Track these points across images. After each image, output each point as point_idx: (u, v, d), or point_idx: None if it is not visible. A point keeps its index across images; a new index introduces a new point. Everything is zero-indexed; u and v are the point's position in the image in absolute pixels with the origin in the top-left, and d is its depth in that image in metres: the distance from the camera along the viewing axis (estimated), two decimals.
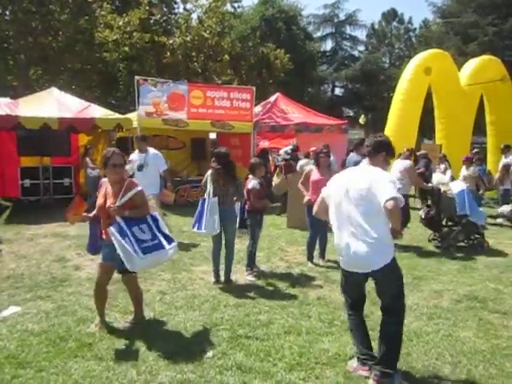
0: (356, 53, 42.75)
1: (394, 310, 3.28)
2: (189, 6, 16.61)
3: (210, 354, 3.57)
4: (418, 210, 9.09)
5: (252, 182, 5.70)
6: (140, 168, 7.03)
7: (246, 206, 5.77)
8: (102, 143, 13.35)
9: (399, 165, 7.70)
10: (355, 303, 3.46)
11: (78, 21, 14.56)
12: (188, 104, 11.10)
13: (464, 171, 10.19)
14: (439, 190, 7.66)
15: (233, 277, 5.58)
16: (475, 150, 12.46)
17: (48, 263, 6.03)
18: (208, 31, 15.67)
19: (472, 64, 15.53)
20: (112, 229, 3.61)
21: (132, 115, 11.39)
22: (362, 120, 29.51)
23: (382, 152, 3.39)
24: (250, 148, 12.05)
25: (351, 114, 41.64)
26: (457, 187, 7.60)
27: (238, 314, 4.41)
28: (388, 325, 3.29)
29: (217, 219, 5.17)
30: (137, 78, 10.50)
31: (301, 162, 9.84)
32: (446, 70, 14.36)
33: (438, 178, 11.14)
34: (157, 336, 3.89)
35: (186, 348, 3.68)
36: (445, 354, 3.69)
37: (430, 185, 8.19)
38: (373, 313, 4.47)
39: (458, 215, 7.36)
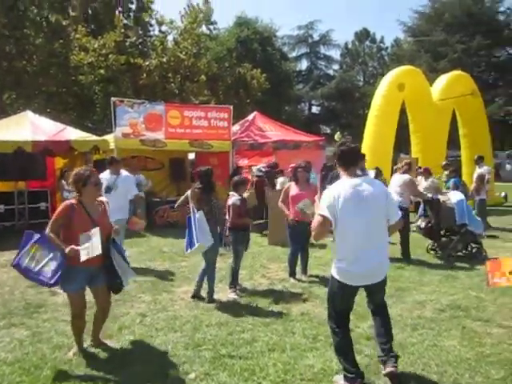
0: (331, 72, 43.83)
1: (385, 305, 3.59)
2: (164, 28, 16.77)
3: (192, 375, 3.46)
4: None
5: (232, 199, 5.67)
6: (107, 190, 6.40)
7: (228, 223, 5.71)
8: (79, 166, 13.07)
9: (398, 179, 7.74)
10: (343, 317, 3.43)
11: (52, 44, 14.46)
12: (165, 124, 11.08)
13: (423, 182, 10.50)
14: (438, 200, 7.76)
15: (215, 296, 5.47)
16: (444, 162, 12.64)
17: (22, 289, 5.81)
18: (184, 52, 15.78)
19: (443, 80, 15.98)
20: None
21: (109, 137, 11.28)
22: (337, 137, 29.75)
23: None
24: (229, 167, 12.04)
25: (328, 131, 42.30)
26: (456, 197, 7.70)
27: (220, 333, 4.31)
28: (385, 317, 3.49)
29: (207, 230, 5.07)
30: (113, 99, 10.45)
31: (280, 180, 9.88)
32: (418, 86, 14.73)
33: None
34: (137, 360, 3.75)
35: (167, 371, 3.56)
36: (431, 364, 3.67)
37: (429, 195, 8.23)
38: (358, 327, 4.44)
39: (458, 224, 7.45)
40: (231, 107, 11.98)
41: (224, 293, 5.69)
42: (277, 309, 5.05)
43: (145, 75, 15.33)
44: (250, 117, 14.18)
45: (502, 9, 34.33)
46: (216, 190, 5.53)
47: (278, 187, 9.81)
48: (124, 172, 6.96)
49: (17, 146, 9.45)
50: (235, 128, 13.27)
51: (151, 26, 17.14)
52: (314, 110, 45.24)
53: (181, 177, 13.00)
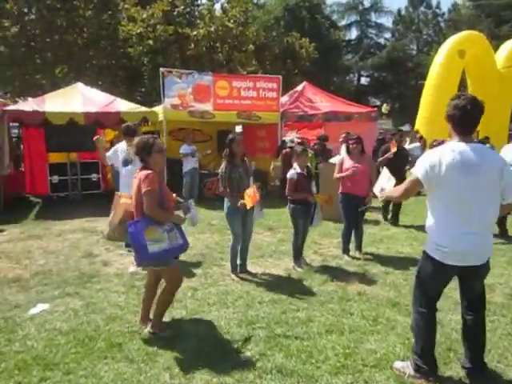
0: (382, 40, 41.90)
1: (483, 302, 3.07)
2: None
3: (247, 354, 3.31)
4: None
5: (290, 172, 5.45)
6: (125, 163, 5.66)
7: (288, 196, 5.53)
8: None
9: None
10: (434, 300, 3.06)
11: (101, 16, 14.47)
12: (214, 95, 10.87)
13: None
14: None
15: (266, 270, 5.35)
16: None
17: (76, 259, 5.90)
18: (232, 21, 15.35)
19: (508, 46, 14.74)
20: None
21: (157, 108, 11.23)
22: (384, 109, 28.59)
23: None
24: (277, 139, 11.73)
25: (377, 103, 40.73)
26: None
27: (274, 311, 4.14)
28: (482, 317, 3.06)
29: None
30: (162, 69, 10.33)
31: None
32: (481, 53, 13.71)
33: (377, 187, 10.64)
34: (190, 335, 3.65)
35: (221, 348, 3.44)
36: (507, 356, 3.33)
37: None
38: None
39: None
40: (280, 77, 11.56)
41: (275, 268, 5.53)
42: (332, 287, 4.82)
43: (192, 45, 15.07)
44: (300, 87, 13.71)
45: None
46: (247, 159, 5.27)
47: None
48: None
49: (69, 117, 9.58)
50: (284, 99, 12.88)
51: None
52: (363, 81, 43.56)
53: None
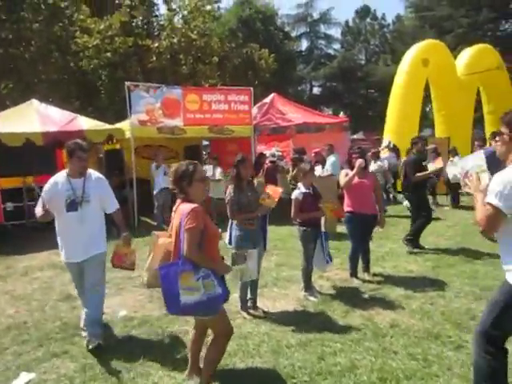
0: (332, 51, 42.67)
1: None
2: (173, 5, 15.63)
3: None
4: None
5: (294, 193, 4.94)
6: (72, 206, 3.84)
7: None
8: (91, 156, 12.31)
9: None
10: (506, 339, 2.65)
11: (51, 28, 13.43)
12: (184, 109, 10.21)
13: (372, 165, 10.45)
14: None
15: (274, 303, 4.80)
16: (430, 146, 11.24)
17: (53, 304, 5.07)
18: (195, 32, 14.76)
19: (467, 54, 15.17)
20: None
21: (123, 125, 10.42)
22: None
23: None
24: (251, 153, 11.23)
25: (330, 112, 41.38)
26: None
27: (308, 357, 3.58)
28: None
29: None
30: (127, 83, 9.55)
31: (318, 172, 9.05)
32: (443, 61, 13.96)
33: (454, 171, 10.64)
34: None
35: None
36: None
37: None
38: (467, 341, 3.74)
39: None
40: (251, 89, 11.11)
41: (285, 300, 4.99)
42: (358, 320, 4.33)
43: (154, 58, 14.32)
44: (268, 99, 13.32)
45: None
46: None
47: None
48: (93, 173, 4.05)
49: (25, 138, 8.62)
50: (253, 111, 12.43)
51: (156, 4, 16.11)
52: (315, 90, 44.18)
53: None
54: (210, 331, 3.21)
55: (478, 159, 2.81)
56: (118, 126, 10.61)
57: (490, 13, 31.56)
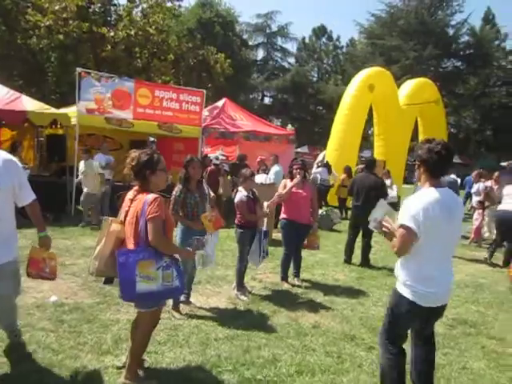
0: (286, 64, 43.76)
1: (433, 335, 3.19)
2: None
3: None
4: None
5: (238, 196, 5.18)
6: None
7: (236, 220, 5.23)
8: (28, 140, 11.90)
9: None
10: (403, 339, 3.05)
11: (1, 1, 12.78)
12: (134, 103, 10.17)
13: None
14: None
15: (207, 300, 5.00)
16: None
17: None
18: (154, 27, 14.66)
19: (409, 85, 16.26)
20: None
21: (70, 110, 10.17)
22: (289, 129, 29.80)
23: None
24: (197, 154, 11.36)
25: (279, 124, 42.33)
26: None
27: (234, 349, 3.81)
28: (432, 353, 3.13)
29: None
30: (78, 69, 9.37)
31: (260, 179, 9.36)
32: (387, 89, 14.85)
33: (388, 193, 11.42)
34: None
35: None
36: None
37: None
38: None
39: None
40: (204, 91, 11.28)
41: (217, 297, 5.20)
42: (284, 319, 4.62)
43: (109, 47, 14.04)
44: (220, 103, 13.55)
45: (452, 22, 35.84)
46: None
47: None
48: (2, 154, 3.18)
49: None
50: (204, 113, 12.58)
51: None
52: (266, 100, 45.04)
53: None
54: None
55: (383, 207, 3.16)
56: (63, 111, 10.35)
57: (434, 50, 33.95)
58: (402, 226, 2.80)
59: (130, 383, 3.06)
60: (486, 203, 9.72)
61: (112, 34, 13.98)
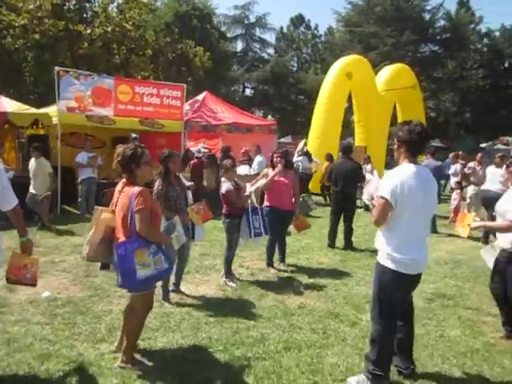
0: (265, 55, 43.64)
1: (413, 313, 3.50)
2: None
3: (218, 383, 3.13)
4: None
5: (225, 186, 5.34)
6: None
7: (224, 210, 5.39)
8: (10, 141, 11.82)
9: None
10: (406, 311, 3.32)
11: None
12: (115, 100, 10.18)
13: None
14: None
15: (196, 288, 5.18)
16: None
17: None
18: (130, 23, 14.59)
19: (387, 71, 16.52)
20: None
21: (50, 110, 10.16)
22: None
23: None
24: (180, 148, 11.45)
25: (261, 115, 42.35)
26: None
27: (224, 331, 3.99)
28: (413, 323, 3.46)
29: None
30: (57, 69, 9.35)
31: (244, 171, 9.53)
32: (365, 76, 15.07)
33: (368, 177, 11.67)
34: (147, 369, 3.31)
35: (188, 380, 3.19)
36: (448, 357, 3.67)
37: None
38: (362, 319, 4.37)
39: None
40: (184, 85, 11.34)
41: (206, 285, 5.36)
42: (271, 302, 4.82)
43: (86, 44, 13.95)
44: (200, 97, 13.61)
45: (428, 7, 36.17)
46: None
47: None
48: None
49: None
50: (185, 108, 12.65)
51: None
52: (248, 92, 44.95)
53: None
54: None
55: (374, 183, 3.43)
56: (44, 110, 10.33)
57: (411, 35, 34.27)
58: (380, 196, 3.03)
59: (126, 366, 3.21)
60: (464, 183, 10.05)
61: (89, 31, 13.89)
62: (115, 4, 15.52)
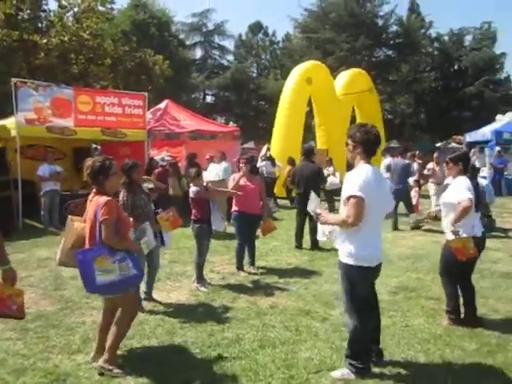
0: (225, 62, 43.87)
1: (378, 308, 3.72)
2: (64, 2, 14.92)
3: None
4: None
5: (193, 190, 5.43)
6: None
7: (192, 216, 5.47)
8: None
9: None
10: (375, 300, 3.53)
11: None
12: (75, 110, 10.05)
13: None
14: None
15: (168, 294, 5.22)
16: None
17: None
18: (88, 32, 14.36)
19: (344, 76, 17.04)
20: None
21: (7, 122, 9.89)
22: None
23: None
24: (144, 157, 11.40)
25: (223, 121, 42.47)
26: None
27: (200, 334, 4.07)
28: (379, 314, 3.70)
29: None
30: (14, 80, 9.14)
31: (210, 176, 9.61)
32: (323, 81, 15.51)
33: (331, 179, 12.04)
34: (129, 373, 3.35)
35: (167, 381, 3.25)
36: (413, 344, 3.90)
37: None
38: (331, 315, 4.55)
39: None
40: (145, 94, 11.32)
41: (178, 291, 5.42)
42: (244, 304, 4.93)
43: (42, 54, 13.62)
44: (162, 105, 13.59)
45: (381, 13, 37.45)
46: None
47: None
48: None
49: None
50: (147, 116, 12.60)
51: None
52: (209, 99, 45.00)
53: None
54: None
55: (314, 200, 3.65)
56: (0, 123, 10.05)
57: (366, 40, 35.37)
58: (351, 196, 3.14)
59: (108, 366, 3.25)
60: (422, 181, 10.56)
61: (45, 41, 13.58)
62: (71, 13, 15.25)
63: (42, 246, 7.71)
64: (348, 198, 3.18)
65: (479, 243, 4.21)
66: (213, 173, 9.96)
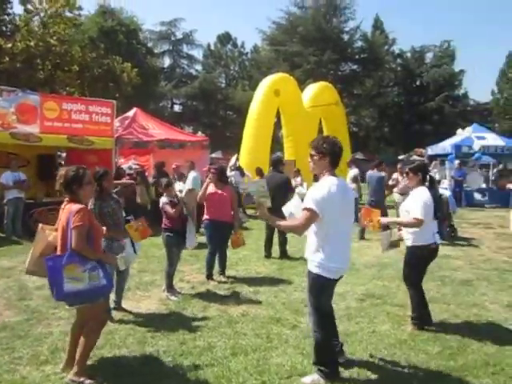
0: (193, 71, 43.99)
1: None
2: (30, 7, 14.60)
3: None
4: None
5: (162, 201, 5.42)
6: None
7: (163, 225, 5.45)
8: None
9: None
10: (332, 312, 3.60)
11: None
12: (41, 117, 9.83)
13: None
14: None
15: (138, 304, 5.17)
16: None
17: None
18: (55, 37, 14.09)
19: (312, 89, 17.42)
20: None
21: None
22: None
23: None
24: (112, 165, 11.24)
25: (191, 131, 42.38)
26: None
27: (172, 343, 4.07)
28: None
29: None
30: None
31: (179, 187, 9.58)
32: (291, 93, 15.80)
33: (298, 189, 12.25)
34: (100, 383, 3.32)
35: None
36: (380, 349, 4.03)
37: None
38: (301, 322, 4.64)
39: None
40: (114, 102, 11.21)
41: (148, 301, 5.38)
42: (215, 312, 4.95)
43: (7, 59, 13.24)
44: (131, 113, 13.48)
45: (346, 29, 38.55)
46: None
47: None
48: None
49: None
50: (115, 124, 12.45)
51: (10, 3, 14.82)
52: (176, 108, 44.87)
53: (50, 175, 11.65)
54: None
55: (260, 185, 3.59)
56: None
57: (332, 54, 36.26)
58: (305, 208, 3.27)
59: (78, 379, 3.21)
60: (386, 192, 10.91)
61: (9, 45, 13.24)
62: (37, 18, 14.92)
63: (4, 255, 7.47)
64: (303, 209, 3.31)
65: (435, 250, 4.56)
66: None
